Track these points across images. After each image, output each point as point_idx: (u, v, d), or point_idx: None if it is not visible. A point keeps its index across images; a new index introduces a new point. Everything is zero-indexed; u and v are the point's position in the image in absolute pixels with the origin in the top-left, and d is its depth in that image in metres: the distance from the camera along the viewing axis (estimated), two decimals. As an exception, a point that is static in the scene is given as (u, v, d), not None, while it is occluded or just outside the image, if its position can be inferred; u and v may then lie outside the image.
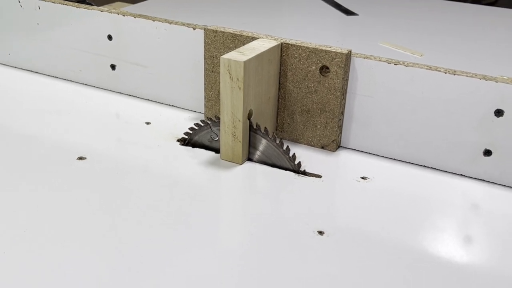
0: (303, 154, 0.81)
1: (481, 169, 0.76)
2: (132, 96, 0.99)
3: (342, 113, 0.81)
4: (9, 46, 1.09)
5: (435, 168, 0.79)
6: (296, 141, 0.85)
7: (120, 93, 1.00)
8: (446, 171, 0.78)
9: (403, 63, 0.76)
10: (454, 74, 0.73)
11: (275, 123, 0.85)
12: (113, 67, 0.99)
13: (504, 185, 0.75)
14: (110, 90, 1.01)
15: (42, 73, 1.07)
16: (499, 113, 0.72)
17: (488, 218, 0.69)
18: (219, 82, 0.79)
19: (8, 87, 1.01)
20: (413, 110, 0.77)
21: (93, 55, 1.00)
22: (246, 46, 0.77)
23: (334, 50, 0.77)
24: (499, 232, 0.67)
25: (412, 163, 0.80)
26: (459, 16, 1.62)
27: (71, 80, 1.04)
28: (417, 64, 0.76)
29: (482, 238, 0.66)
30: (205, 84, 0.88)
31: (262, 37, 0.81)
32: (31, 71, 1.08)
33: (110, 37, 0.96)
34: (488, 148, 0.74)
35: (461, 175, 0.77)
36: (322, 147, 0.83)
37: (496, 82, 0.71)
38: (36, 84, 1.03)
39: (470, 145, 0.75)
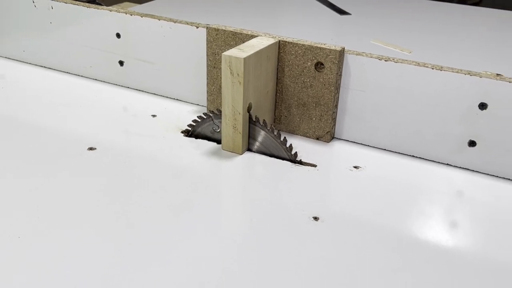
0: (299, 145, 0.80)
1: (465, 158, 0.76)
2: (139, 90, 0.99)
3: (336, 106, 0.81)
4: (24, 44, 1.08)
5: (423, 158, 0.79)
6: (293, 132, 0.84)
7: (128, 87, 1.00)
8: (433, 161, 0.78)
9: (393, 59, 0.76)
10: (441, 70, 0.73)
11: (273, 115, 0.84)
12: (121, 63, 0.98)
13: (487, 174, 0.75)
14: (119, 85, 1.01)
15: (55, 69, 1.07)
16: (483, 106, 0.72)
17: (472, 204, 0.69)
18: (221, 77, 0.78)
19: (23, 82, 1.01)
20: (403, 104, 0.77)
21: (102, 52, 0.99)
22: (246, 43, 0.77)
23: (328, 47, 0.76)
24: (482, 217, 0.67)
25: (402, 153, 0.80)
26: (445, 15, 1.61)
27: (82, 76, 1.04)
28: (406, 60, 0.75)
29: (466, 223, 0.66)
30: (207, 79, 0.88)
31: (261, 35, 0.81)
32: (44, 67, 1.08)
33: (118, 35, 0.96)
34: (472, 139, 0.74)
35: (447, 164, 0.77)
36: (317, 138, 0.83)
37: (480, 77, 0.71)
38: (50, 79, 1.03)
39: (456, 136, 0.75)
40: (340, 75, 0.79)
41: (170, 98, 0.96)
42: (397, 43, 1.28)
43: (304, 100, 0.81)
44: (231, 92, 0.73)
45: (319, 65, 0.78)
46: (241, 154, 0.77)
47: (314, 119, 0.82)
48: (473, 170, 0.76)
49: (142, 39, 0.94)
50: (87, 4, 0.98)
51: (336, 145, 0.82)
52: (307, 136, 0.84)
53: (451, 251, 0.60)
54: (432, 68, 0.74)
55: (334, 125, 0.83)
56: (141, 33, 0.93)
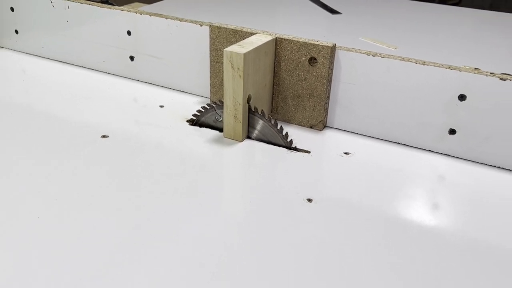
0: (294, 133, 0.80)
1: (446, 146, 0.75)
2: (148, 83, 0.98)
3: (328, 97, 0.80)
4: (43, 40, 1.08)
5: (407, 145, 0.78)
6: (288, 121, 0.84)
7: (138, 80, 0.99)
8: (417, 148, 0.78)
9: (380, 54, 0.75)
10: (424, 64, 0.72)
11: (270, 106, 0.84)
12: (131, 58, 0.98)
13: (466, 160, 0.75)
14: (129, 78, 1.00)
15: (71, 64, 1.06)
16: (462, 97, 0.71)
17: (453, 188, 0.69)
18: (223, 71, 0.79)
19: (42, 75, 1.00)
20: (389, 95, 0.76)
21: (114, 48, 0.99)
22: (246, 40, 0.77)
23: (321, 44, 0.76)
24: (462, 199, 0.66)
25: (388, 141, 0.79)
26: (428, 14, 1.60)
27: (96, 70, 1.03)
28: (392, 55, 0.75)
29: (447, 204, 0.65)
30: (210, 73, 0.87)
31: (259, 33, 0.80)
32: (61, 61, 1.07)
33: (129, 33, 0.95)
34: (452, 128, 0.74)
35: (430, 151, 0.77)
36: (311, 127, 0.82)
37: (460, 71, 0.71)
38: (66, 73, 1.02)
39: (438, 125, 0.75)
40: (332, 69, 0.78)
41: (177, 90, 0.95)
42: (384, 40, 1.27)
43: (299, 92, 0.80)
44: (232, 84, 0.72)
45: (312, 60, 0.77)
46: (241, 142, 0.77)
47: (308, 109, 0.81)
48: (453, 156, 0.75)
49: (151, 36, 0.93)
50: (100, 4, 0.98)
51: (328, 133, 0.82)
52: (301, 125, 0.83)
53: (433, 230, 0.60)
54: (416, 63, 0.73)
55: (326, 115, 0.82)
56: (150, 31, 0.93)
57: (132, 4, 1.63)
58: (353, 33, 1.33)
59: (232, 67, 0.71)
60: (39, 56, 1.10)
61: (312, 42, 0.77)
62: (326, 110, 0.81)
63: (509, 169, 0.73)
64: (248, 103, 0.75)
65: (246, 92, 0.74)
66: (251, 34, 0.80)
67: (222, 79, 0.85)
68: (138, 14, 0.93)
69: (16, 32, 1.11)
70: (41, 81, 0.98)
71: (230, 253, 0.54)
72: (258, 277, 0.51)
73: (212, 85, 0.88)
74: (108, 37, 0.98)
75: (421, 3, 1.74)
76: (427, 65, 0.72)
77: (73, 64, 1.06)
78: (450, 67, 0.71)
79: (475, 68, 0.72)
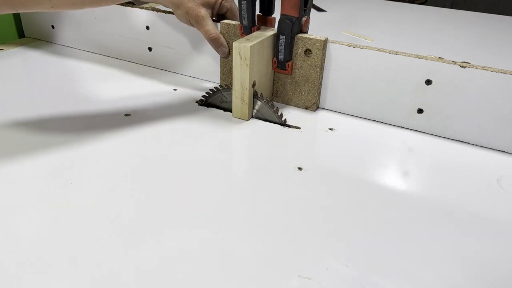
0: (292, 113, 0.79)
1: (415, 122, 0.75)
2: (164, 70, 0.97)
3: (320, 83, 0.79)
4: (75, 34, 1.06)
5: (382, 122, 0.78)
6: (287, 103, 0.83)
7: (155, 67, 0.98)
8: (390, 124, 0.77)
9: (359, 46, 0.74)
10: (396, 54, 0.72)
11: (271, 90, 0.83)
12: (150, 49, 0.97)
13: (432, 134, 0.74)
14: (148, 66, 0.99)
15: (98, 53, 1.05)
16: (428, 82, 0.71)
17: (420, 158, 0.68)
18: (231, 61, 0.78)
19: (74, 63, 0.99)
20: (367, 80, 0.75)
21: (135, 41, 0.97)
22: (251, 34, 0.76)
23: (315, 38, 0.75)
24: (428, 168, 0.66)
25: (366, 118, 0.79)
26: (399, 11, 1.59)
27: (119, 58, 1.02)
28: (369, 47, 0.74)
29: (415, 172, 0.65)
30: (220, 62, 0.86)
31: (262, 28, 0.79)
32: (90, 51, 1.06)
33: (147, 28, 0.94)
34: (420, 107, 0.73)
35: (401, 127, 0.76)
36: (306, 108, 0.82)
37: (427, 60, 0.70)
38: (94, 61, 1.01)
39: (408, 105, 0.74)
40: (324, 59, 0.77)
41: (188, 76, 0.94)
42: (362, 33, 1.26)
43: (296, 79, 0.80)
44: (240, 72, 0.72)
45: (308, 52, 0.76)
46: (247, 120, 0.76)
47: (303, 93, 0.80)
48: (421, 131, 0.75)
49: (166, 31, 0.92)
50: (123, 4, 0.97)
51: (319, 113, 0.81)
52: (298, 106, 0.82)
53: (403, 193, 0.60)
54: (389, 53, 0.72)
55: (319, 97, 0.81)
56: (165, 26, 0.91)
57: (150, 4, 1.61)
58: (336, 28, 1.32)
59: (240, 57, 0.71)
60: (72, 47, 1.09)
61: (308, 36, 0.75)
62: (319, 93, 0.81)
63: (467, 142, 0.72)
64: (253, 88, 0.74)
65: (252, 78, 0.73)
66: (256, 29, 0.79)
67: (231, 68, 0.84)
68: (155, 12, 0.92)
69: (53, 27, 1.09)
70: (73, 68, 0.97)
71: (233, 209, 0.54)
72: (257, 225, 0.51)
73: (222, 73, 0.87)
74: (130, 31, 0.97)
75: (394, 2, 1.72)
76: (398, 54, 0.72)
77: (100, 54, 1.05)
78: (418, 56, 0.71)
79: (439, 57, 0.71)
